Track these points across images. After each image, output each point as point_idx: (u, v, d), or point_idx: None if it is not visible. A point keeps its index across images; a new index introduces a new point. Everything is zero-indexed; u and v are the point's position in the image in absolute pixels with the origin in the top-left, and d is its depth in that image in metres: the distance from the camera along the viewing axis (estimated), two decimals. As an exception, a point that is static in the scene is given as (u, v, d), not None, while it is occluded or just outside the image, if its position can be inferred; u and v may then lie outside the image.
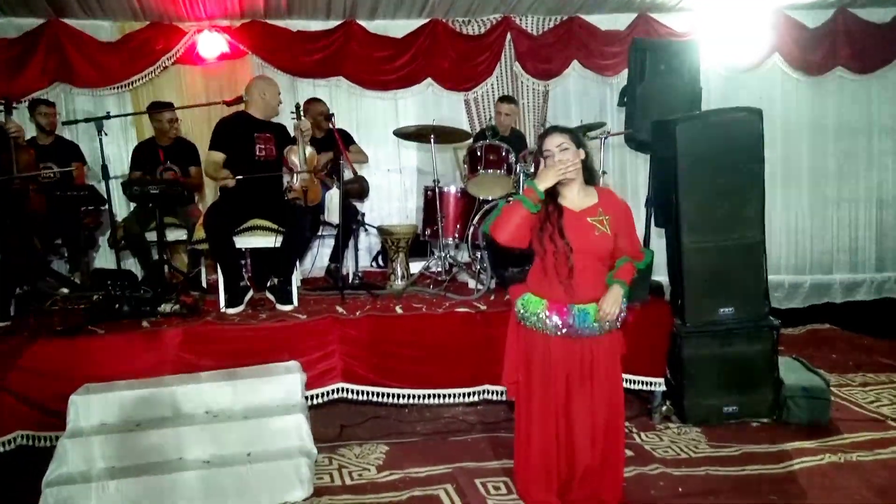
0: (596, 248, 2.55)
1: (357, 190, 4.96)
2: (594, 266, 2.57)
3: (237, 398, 3.27)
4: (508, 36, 5.81)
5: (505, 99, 5.33)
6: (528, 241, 2.57)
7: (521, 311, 2.65)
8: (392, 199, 5.98)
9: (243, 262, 4.40)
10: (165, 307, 3.75)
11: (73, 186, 4.51)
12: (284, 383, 3.34)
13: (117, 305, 3.74)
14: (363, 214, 5.13)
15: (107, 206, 4.19)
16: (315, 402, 3.56)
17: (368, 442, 3.57)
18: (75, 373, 3.29)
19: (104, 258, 5.32)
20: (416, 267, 4.65)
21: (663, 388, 3.78)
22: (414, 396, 3.65)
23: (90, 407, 3.14)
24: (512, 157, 4.28)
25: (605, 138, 4.53)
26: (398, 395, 3.64)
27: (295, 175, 3.94)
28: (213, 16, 5.36)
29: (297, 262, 4.19)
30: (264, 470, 2.95)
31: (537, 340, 2.63)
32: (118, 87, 5.36)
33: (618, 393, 2.72)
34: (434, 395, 3.66)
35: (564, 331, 2.55)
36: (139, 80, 5.37)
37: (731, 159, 3.66)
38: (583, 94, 6.08)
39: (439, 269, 4.50)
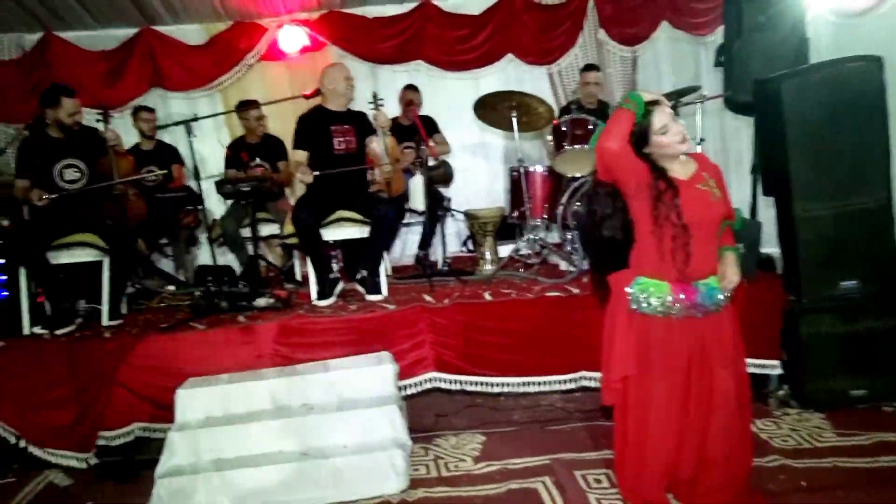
0: (715, 215, 2.34)
1: (441, 175, 4.90)
2: (711, 236, 2.36)
3: (331, 390, 3.29)
4: (590, 2, 5.53)
5: (589, 67, 5.04)
6: (631, 171, 2.32)
7: (640, 296, 2.38)
8: (479, 182, 5.87)
9: (334, 253, 4.47)
10: (260, 301, 3.85)
11: (171, 188, 4.70)
12: (377, 374, 3.33)
13: (216, 301, 3.88)
14: (449, 200, 5.06)
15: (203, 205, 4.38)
16: (408, 392, 3.54)
17: (464, 432, 3.50)
18: (180, 367, 3.42)
19: (208, 255, 5.55)
20: (505, 250, 4.54)
21: (779, 370, 3.49)
22: (507, 385, 3.57)
23: (195, 400, 3.25)
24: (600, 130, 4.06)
25: (702, 103, 4.21)
26: (491, 384, 3.56)
27: (377, 167, 3.91)
28: (292, 9, 5.44)
29: (385, 252, 4.18)
30: (360, 462, 2.95)
31: (657, 326, 2.39)
32: (209, 89, 5.56)
33: (743, 373, 2.49)
34: (528, 383, 3.56)
35: (693, 311, 2.34)
36: (227, 79, 5.54)
37: (847, 116, 3.28)
38: (674, 58, 5.72)
39: (529, 252, 4.36)
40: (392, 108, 4.99)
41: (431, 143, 4.79)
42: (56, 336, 3.65)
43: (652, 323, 2.39)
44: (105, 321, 3.82)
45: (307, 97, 3.95)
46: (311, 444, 3.07)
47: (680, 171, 2.36)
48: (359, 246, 4.01)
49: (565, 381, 3.57)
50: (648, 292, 2.37)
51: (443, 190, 5.06)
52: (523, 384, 3.56)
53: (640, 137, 2.31)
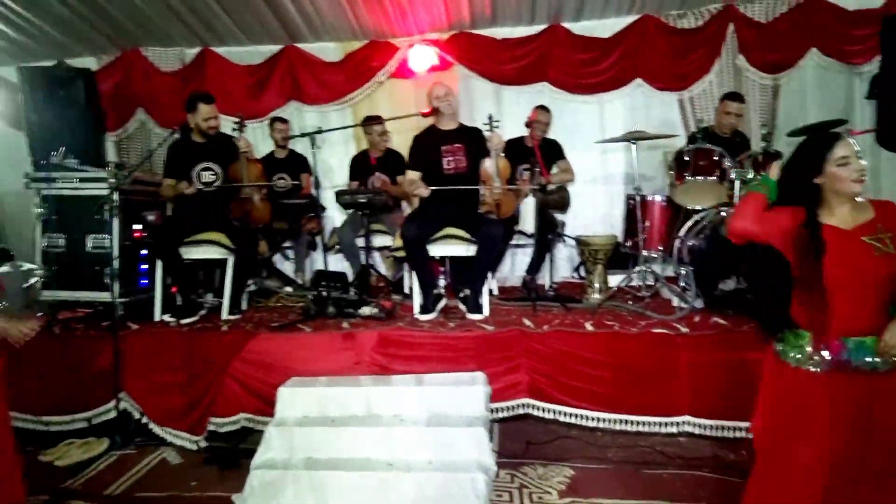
0: (874, 273, 2.12)
1: (558, 200, 4.83)
2: (872, 292, 2.12)
3: (423, 405, 3.32)
4: (731, 27, 5.24)
5: (732, 97, 4.69)
6: (771, 235, 2.19)
7: (780, 345, 2.23)
8: (597, 208, 5.71)
9: (443, 269, 4.54)
10: (365, 310, 3.97)
11: (296, 195, 4.99)
12: (469, 394, 3.32)
13: (325, 306, 4.05)
14: (563, 224, 4.97)
15: (323, 213, 4.60)
16: (500, 415, 3.51)
17: (554, 463, 3.39)
18: (285, 366, 3.61)
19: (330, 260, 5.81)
20: (617, 280, 4.39)
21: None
22: (602, 420, 3.43)
23: (294, 399, 3.41)
24: (727, 162, 3.83)
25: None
26: (585, 417, 3.45)
27: (488, 188, 3.93)
28: (423, 30, 5.60)
29: (491, 273, 4.18)
30: (442, 480, 2.94)
31: (799, 379, 2.18)
32: (341, 103, 5.84)
33: None
34: (625, 421, 3.41)
35: (833, 366, 2.13)
36: (358, 95, 5.79)
37: None
38: (822, 87, 5.27)
39: (640, 284, 4.18)
40: (519, 129, 5.02)
41: (555, 171, 4.74)
42: (181, 325, 3.96)
43: (796, 375, 2.18)
44: (224, 315, 4.11)
45: (425, 115, 4.05)
46: (398, 455, 3.10)
47: (846, 217, 2.14)
48: (465, 264, 4.03)
49: (666, 424, 3.38)
50: (787, 341, 2.20)
51: (559, 216, 4.97)
52: (619, 421, 3.42)
53: (814, 166, 2.16)
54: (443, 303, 4.08)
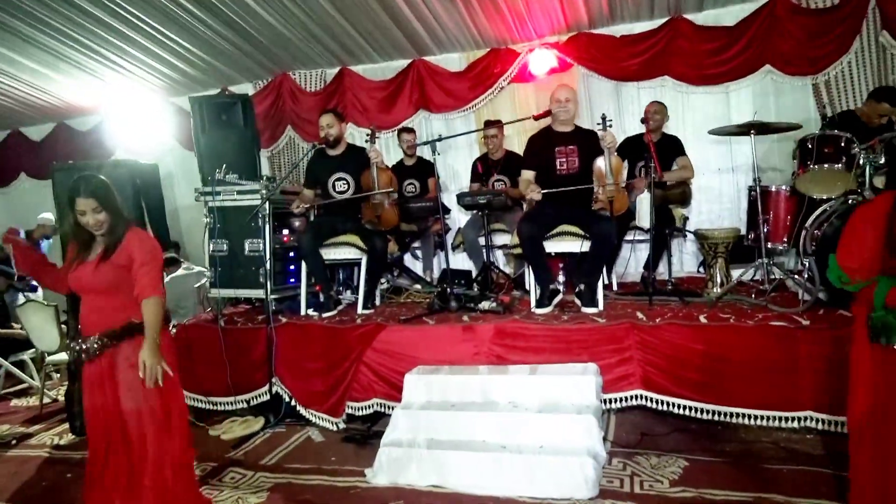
0: None
1: (678, 196, 4.77)
2: None
3: (536, 393, 3.50)
4: (872, 1, 4.89)
5: (884, 95, 4.25)
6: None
7: (878, 326, 2.19)
8: (722, 201, 5.56)
9: (562, 265, 4.68)
10: (484, 304, 4.22)
11: (423, 199, 5.35)
12: (579, 384, 3.46)
13: (448, 301, 4.35)
14: (686, 219, 4.91)
15: (448, 215, 4.89)
16: (612, 405, 3.60)
17: (668, 454, 3.43)
18: (411, 356, 3.94)
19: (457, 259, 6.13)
20: (739, 274, 4.29)
21: None
22: (718, 413, 3.41)
23: (419, 385, 3.73)
24: (855, 147, 3.64)
25: None
26: (700, 409, 3.44)
27: (601, 186, 4.01)
28: (543, 34, 5.76)
29: (606, 268, 4.26)
30: (552, 464, 3.11)
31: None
32: (464, 110, 6.15)
33: None
34: (741, 415, 3.36)
35: None
36: (481, 101, 6.07)
37: None
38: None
39: (762, 278, 4.06)
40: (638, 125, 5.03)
41: (674, 167, 4.70)
42: (323, 319, 4.43)
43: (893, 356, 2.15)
44: (360, 310, 4.53)
45: (536, 118, 4.22)
46: (511, 439, 3.31)
47: None
48: (580, 260, 4.15)
49: (788, 419, 3.30)
50: (888, 322, 2.14)
51: (681, 210, 4.91)
52: (737, 415, 3.38)
53: None
54: (559, 297, 4.22)
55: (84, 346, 2.74)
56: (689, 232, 4.81)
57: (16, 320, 6.02)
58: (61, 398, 5.22)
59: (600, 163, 4.06)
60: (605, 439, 3.50)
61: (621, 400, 3.59)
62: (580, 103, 5.66)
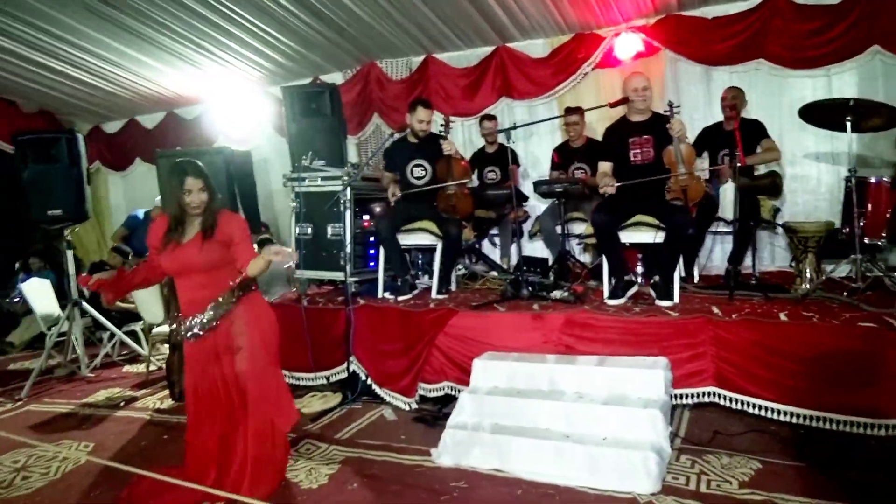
0: None
1: (767, 186, 4.54)
2: None
3: (603, 384, 3.48)
4: None
5: None
6: None
7: None
8: (820, 191, 5.22)
9: (640, 256, 4.59)
10: (556, 293, 4.21)
11: (503, 186, 5.37)
12: (648, 377, 3.40)
13: (521, 288, 4.37)
14: (777, 210, 4.67)
15: (526, 203, 4.90)
16: (683, 401, 3.52)
17: (741, 455, 3.30)
18: (481, 341, 4.00)
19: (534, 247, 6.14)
20: (838, 270, 4.05)
21: None
22: (798, 416, 3.25)
23: (487, 371, 3.78)
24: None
25: None
26: (778, 412, 3.30)
27: (673, 175, 3.90)
28: (629, 17, 5.60)
29: (684, 260, 4.14)
30: (615, 456, 3.08)
31: None
32: (547, 97, 6.10)
33: None
34: (825, 420, 3.19)
35: None
36: (564, 88, 5.99)
37: None
38: None
39: (856, 275, 3.82)
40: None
41: (758, 150, 4.48)
42: (398, 302, 4.58)
43: None
44: (434, 294, 4.64)
45: (612, 106, 4.14)
46: (575, 429, 3.31)
47: None
48: (655, 251, 4.06)
49: (875, 427, 3.10)
50: None
51: (770, 200, 4.68)
52: (816, 419, 3.21)
53: None
54: (634, 289, 4.14)
55: (192, 322, 3.02)
56: (778, 224, 4.57)
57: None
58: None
59: (670, 150, 3.94)
60: (675, 435, 3.44)
61: (693, 396, 3.50)
62: (667, 88, 5.49)
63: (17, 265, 8.66)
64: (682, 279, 4.15)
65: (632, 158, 4.05)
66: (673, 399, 3.48)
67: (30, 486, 3.45)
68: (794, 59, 5.10)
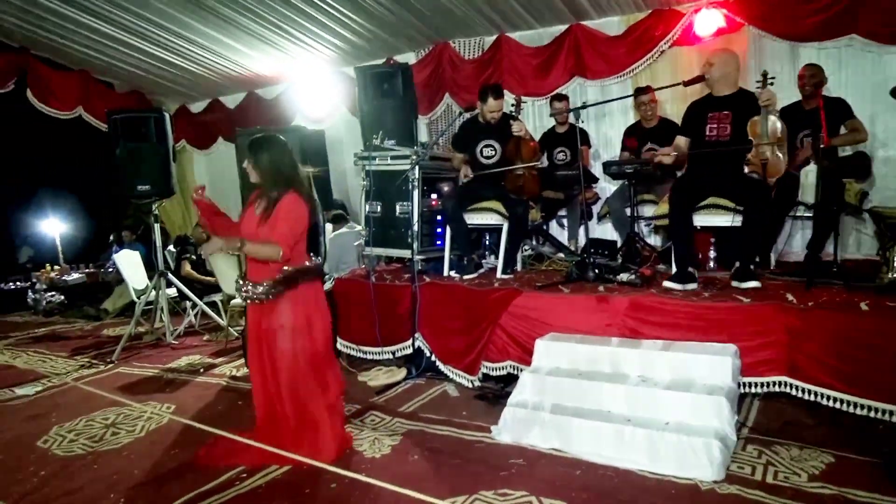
0: None
1: (854, 168, 4.30)
2: None
3: (667, 369, 3.42)
4: None
5: None
6: None
7: None
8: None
9: (712, 240, 4.45)
10: (623, 276, 4.15)
11: (572, 167, 5.31)
12: (714, 364, 3.32)
13: (587, 271, 4.33)
14: (865, 194, 4.41)
15: (596, 184, 4.83)
16: (751, 390, 3.42)
17: (812, 447, 3.19)
18: (544, 322, 4.00)
19: (603, 229, 6.04)
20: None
21: None
22: (874, 410, 3.10)
23: (549, 351, 3.79)
24: None
25: None
26: (853, 404, 3.15)
27: (755, 147, 3.73)
28: (712, -8, 5.39)
29: (762, 244, 3.98)
30: (676, 441, 3.03)
31: None
32: (621, 76, 5.95)
33: None
34: (901, 414, 3.04)
35: None
36: (639, 66, 5.83)
37: None
38: None
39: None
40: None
41: (842, 131, 4.23)
42: (463, 280, 4.62)
43: None
44: (499, 274, 4.66)
45: (686, 84, 4.00)
46: (637, 413, 3.28)
47: None
48: (731, 235, 3.93)
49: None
50: None
51: (858, 184, 4.42)
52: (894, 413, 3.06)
53: None
54: (694, 285, 3.99)
55: (250, 289, 3.18)
56: (864, 210, 4.32)
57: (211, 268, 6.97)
58: (243, 336, 5.96)
59: (755, 124, 3.77)
60: (743, 425, 3.36)
61: (762, 385, 3.39)
62: (749, 67, 5.24)
63: (111, 237, 9.27)
64: (757, 265, 3.99)
65: (707, 133, 3.92)
66: (741, 388, 3.39)
67: (118, 442, 3.73)
68: (891, 34, 4.76)
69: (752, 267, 3.80)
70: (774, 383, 3.36)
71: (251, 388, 3.47)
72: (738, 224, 3.82)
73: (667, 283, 3.95)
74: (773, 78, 3.78)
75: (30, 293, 8.92)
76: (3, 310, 8.86)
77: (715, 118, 3.90)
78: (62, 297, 8.79)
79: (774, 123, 3.75)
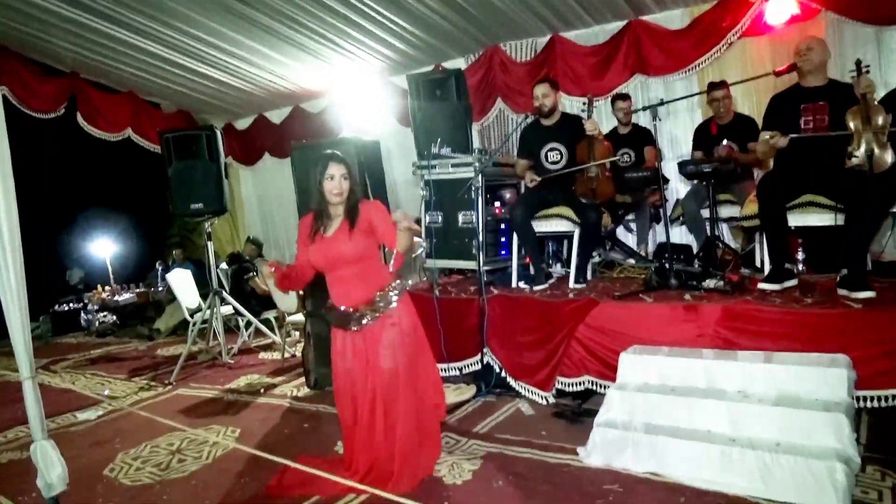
0: None
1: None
2: None
3: (771, 383, 3.12)
4: None
5: None
6: None
7: None
8: None
9: (800, 241, 4.14)
10: (709, 283, 3.87)
11: (639, 169, 5.04)
12: (827, 377, 3.01)
13: (667, 277, 4.06)
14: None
15: (666, 185, 4.55)
16: (870, 405, 3.10)
17: (944, 468, 2.89)
18: (626, 334, 3.74)
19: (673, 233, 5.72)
20: None
21: None
22: None
23: (636, 366, 3.52)
24: None
25: None
26: None
27: (857, 139, 3.41)
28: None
29: (869, 245, 3.64)
30: (793, 464, 2.75)
31: None
32: (686, 71, 5.66)
33: None
34: None
35: None
36: (706, 60, 5.54)
37: None
38: None
39: None
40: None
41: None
42: (534, 292, 4.39)
43: None
44: (571, 284, 4.41)
45: (778, 74, 3.72)
46: (742, 432, 2.99)
47: None
48: (832, 236, 3.61)
49: None
50: None
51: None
52: None
53: None
54: (793, 281, 3.71)
55: (349, 316, 3.01)
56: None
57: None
58: (298, 354, 5.81)
59: (855, 115, 3.46)
60: (858, 443, 3.04)
61: (882, 399, 3.07)
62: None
63: (158, 262, 9.32)
64: (868, 271, 3.65)
65: (802, 126, 3.62)
66: (856, 402, 3.08)
67: (185, 470, 3.59)
68: None
69: (862, 274, 3.46)
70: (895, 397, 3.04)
71: (318, 409, 3.30)
72: (839, 223, 3.50)
73: (762, 285, 3.66)
74: (867, 66, 3.48)
75: (83, 314, 9.01)
76: (58, 331, 8.94)
77: (810, 109, 3.60)
78: (114, 318, 8.84)
79: (877, 112, 3.43)
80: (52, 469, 2.75)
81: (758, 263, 4.46)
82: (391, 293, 3.06)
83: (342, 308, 3.05)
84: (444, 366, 4.54)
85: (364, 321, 3.03)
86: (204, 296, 6.50)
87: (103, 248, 9.66)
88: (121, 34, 6.59)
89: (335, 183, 2.96)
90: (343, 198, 3.01)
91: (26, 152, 8.32)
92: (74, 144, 8.30)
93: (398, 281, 3.13)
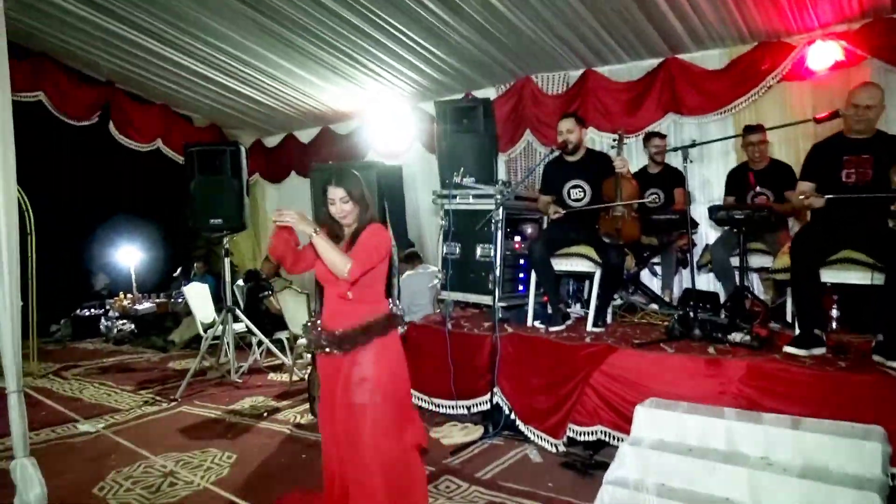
0: None
1: None
2: None
3: (798, 451, 2.90)
4: None
5: None
6: None
7: None
8: None
9: (835, 297, 3.91)
10: (736, 336, 3.66)
11: (668, 211, 4.86)
12: (859, 450, 2.78)
13: (691, 327, 3.86)
14: None
15: (695, 230, 4.36)
16: (901, 483, 2.86)
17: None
18: (644, 385, 3.54)
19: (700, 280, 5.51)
20: None
21: None
22: None
23: (652, 420, 3.32)
24: None
25: None
26: None
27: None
28: (827, 24, 4.90)
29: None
30: (820, 545, 2.54)
31: None
32: (721, 112, 5.49)
33: None
34: None
35: None
36: (743, 102, 5.37)
37: None
38: None
39: None
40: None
41: None
42: (549, 332, 4.22)
43: None
44: (589, 327, 4.23)
45: (819, 120, 3.53)
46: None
47: None
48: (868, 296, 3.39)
49: None
50: None
51: None
52: None
53: None
54: (822, 350, 3.46)
55: (325, 340, 2.83)
56: None
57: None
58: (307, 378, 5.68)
59: None
60: (889, 523, 2.79)
61: (918, 478, 2.83)
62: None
63: (178, 270, 9.31)
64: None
65: (844, 178, 3.43)
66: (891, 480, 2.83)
67: (175, 495, 3.47)
68: None
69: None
70: (935, 477, 2.79)
71: (318, 439, 3.13)
72: (877, 283, 3.28)
73: (788, 349, 3.42)
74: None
75: (103, 320, 9.02)
76: (77, 336, 8.95)
77: (852, 162, 3.41)
78: (132, 326, 8.84)
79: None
80: (30, 488, 2.66)
81: (788, 318, 4.22)
82: (357, 333, 2.79)
83: (318, 329, 2.89)
84: (452, 402, 4.40)
85: (328, 349, 2.83)
86: (220, 311, 6.43)
87: (129, 255, 9.69)
88: (156, 47, 6.67)
89: (336, 207, 2.84)
90: (347, 221, 2.88)
91: (59, 158, 8.54)
92: (105, 152, 8.41)
93: (370, 322, 2.81)
